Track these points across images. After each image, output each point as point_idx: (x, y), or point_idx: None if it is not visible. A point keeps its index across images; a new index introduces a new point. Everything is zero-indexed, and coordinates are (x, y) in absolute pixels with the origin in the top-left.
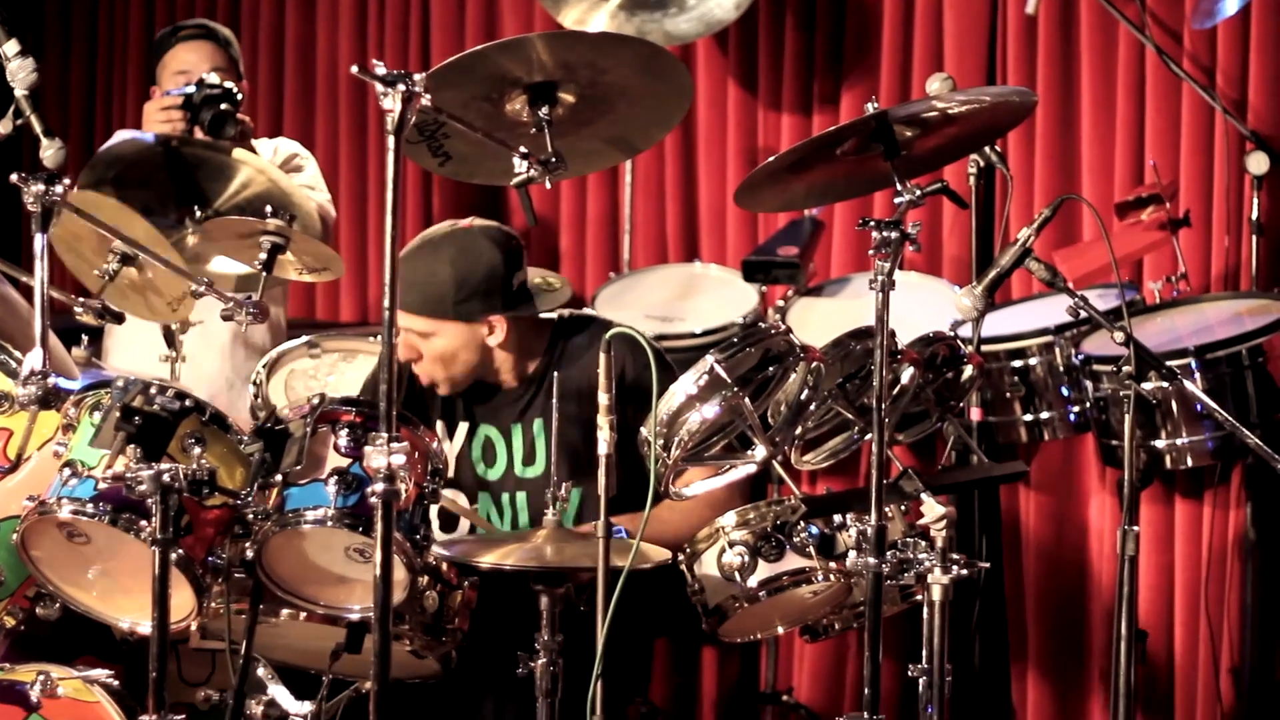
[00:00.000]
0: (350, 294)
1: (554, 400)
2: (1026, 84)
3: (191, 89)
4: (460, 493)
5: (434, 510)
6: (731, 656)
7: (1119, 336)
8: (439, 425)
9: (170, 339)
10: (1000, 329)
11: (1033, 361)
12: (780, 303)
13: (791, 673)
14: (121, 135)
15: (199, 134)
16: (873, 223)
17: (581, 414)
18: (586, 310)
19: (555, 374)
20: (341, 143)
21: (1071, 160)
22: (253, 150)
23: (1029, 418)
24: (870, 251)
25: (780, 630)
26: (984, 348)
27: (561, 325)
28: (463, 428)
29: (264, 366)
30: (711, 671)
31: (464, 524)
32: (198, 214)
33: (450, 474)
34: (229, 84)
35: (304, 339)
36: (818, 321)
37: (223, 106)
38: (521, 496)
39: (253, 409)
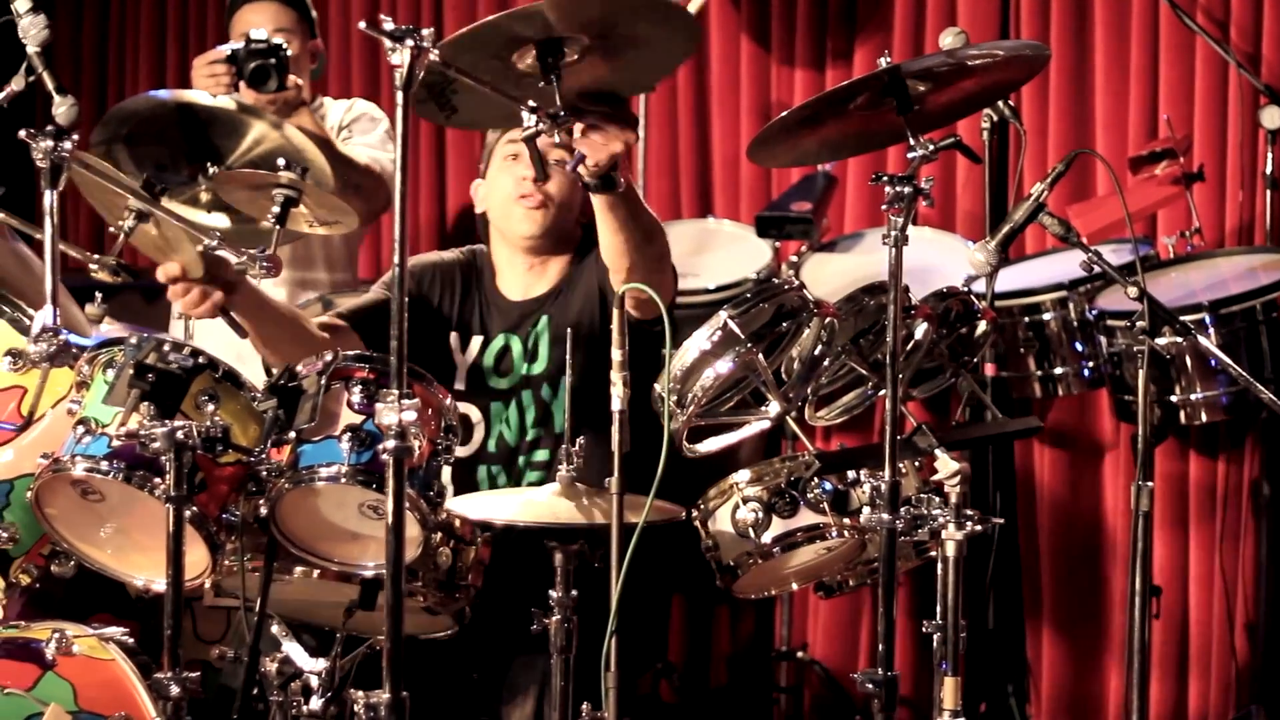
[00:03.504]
0: (365, 249)
1: (568, 356)
2: (1040, 38)
3: (238, 45)
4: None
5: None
6: (746, 613)
7: (1133, 291)
8: (453, 337)
9: None
10: (1014, 284)
11: (1046, 317)
12: (794, 258)
13: (806, 629)
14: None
15: (244, 89)
16: (886, 178)
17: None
18: None
19: (569, 330)
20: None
21: (1085, 115)
22: (305, 103)
23: (1043, 373)
24: (883, 207)
25: (794, 587)
26: (998, 303)
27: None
28: (477, 341)
29: None
30: (726, 628)
31: None
32: (210, 170)
33: (463, 385)
34: (277, 40)
35: (317, 295)
36: (831, 277)
37: (267, 61)
38: (527, 395)
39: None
